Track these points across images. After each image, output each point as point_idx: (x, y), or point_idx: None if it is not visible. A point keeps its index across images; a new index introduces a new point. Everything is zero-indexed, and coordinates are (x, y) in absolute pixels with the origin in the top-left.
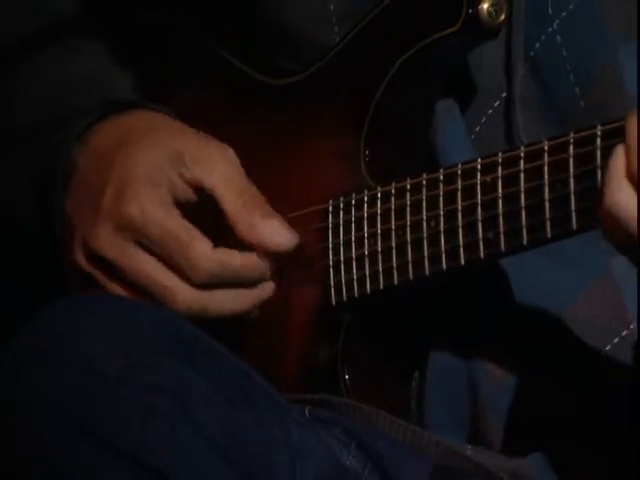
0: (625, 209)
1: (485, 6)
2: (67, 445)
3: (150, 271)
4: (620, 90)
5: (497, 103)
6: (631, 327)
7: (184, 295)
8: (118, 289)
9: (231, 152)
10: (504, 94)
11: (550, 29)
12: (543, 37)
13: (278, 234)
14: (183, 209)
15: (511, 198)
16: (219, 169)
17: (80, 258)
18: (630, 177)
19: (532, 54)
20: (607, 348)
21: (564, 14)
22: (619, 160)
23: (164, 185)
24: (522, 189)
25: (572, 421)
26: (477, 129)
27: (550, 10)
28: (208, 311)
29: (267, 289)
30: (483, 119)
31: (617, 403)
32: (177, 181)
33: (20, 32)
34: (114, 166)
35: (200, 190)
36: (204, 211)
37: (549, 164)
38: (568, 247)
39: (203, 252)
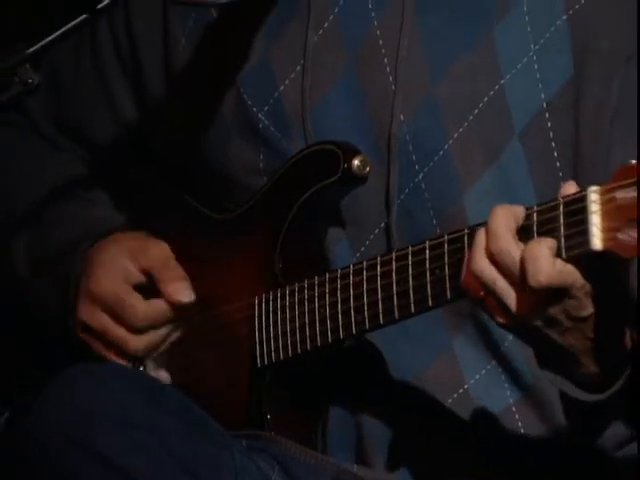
0: (484, 273)
1: (355, 162)
2: (73, 458)
3: (109, 327)
4: (464, 222)
5: (377, 230)
6: (465, 387)
7: (133, 343)
8: (98, 346)
9: (163, 244)
10: (382, 224)
11: (417, 179)
12: (411, 185)
13: (178, 294)
14: (138, 286)
15: (371, 292)
16: (154, 255)
17: (76, 328)
18: (487, 252)
19: (402, 197)
20: (449, 402)
21: (426, 169)
22: (481, 238)
23: (117, 270)
24: (379, 285)
25: (428, 448)
26: (362, 249)
27: (417, 166)
28: (152, 349)
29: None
30: (367, 242)
31: (463, 439)
32: (131, 268)
33: (48, 189)
34: (92, 263)
35: (146, 272)
36: (154, 284)
37: (395, 269)
38: (419, 328)
39: (137, 305)
